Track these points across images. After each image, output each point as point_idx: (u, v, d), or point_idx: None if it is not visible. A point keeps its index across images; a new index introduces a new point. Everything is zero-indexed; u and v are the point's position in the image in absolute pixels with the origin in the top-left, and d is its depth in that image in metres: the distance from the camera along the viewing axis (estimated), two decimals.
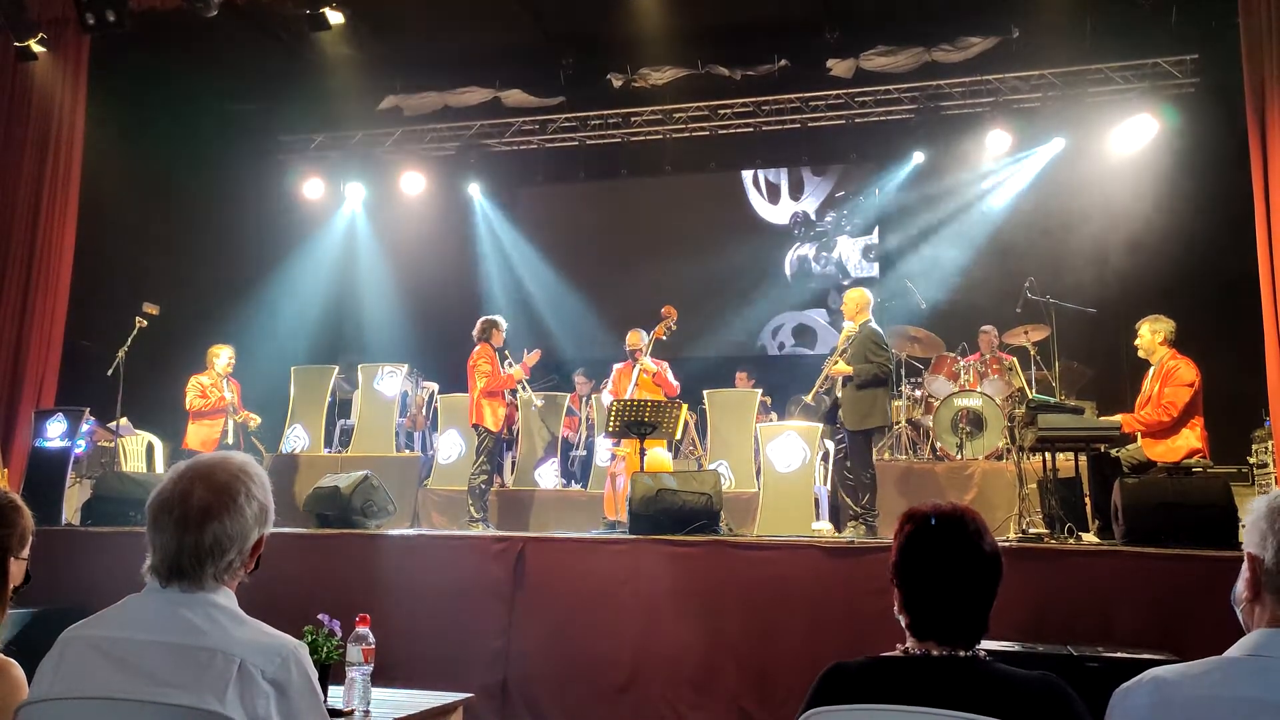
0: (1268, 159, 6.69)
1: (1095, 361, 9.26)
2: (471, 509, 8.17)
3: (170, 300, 9.70)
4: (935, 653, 1.93)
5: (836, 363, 7.55)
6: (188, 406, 8.56)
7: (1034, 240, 10.12)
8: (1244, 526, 1.80)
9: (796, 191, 12.15)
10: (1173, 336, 6.47)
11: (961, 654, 1.92)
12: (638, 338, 8.37)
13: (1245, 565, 1.78)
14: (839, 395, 7.44)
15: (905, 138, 11.07)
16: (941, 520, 2.02)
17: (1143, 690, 1.71)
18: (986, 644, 2.00)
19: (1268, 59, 6.78)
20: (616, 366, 8.68)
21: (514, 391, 9.70)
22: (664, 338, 8.42)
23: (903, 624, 1.99)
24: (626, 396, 7.93)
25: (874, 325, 7.54)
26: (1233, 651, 1.71)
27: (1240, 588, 1.79)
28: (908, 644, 1.98)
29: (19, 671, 2.21)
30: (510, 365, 8.53)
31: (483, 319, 8.63)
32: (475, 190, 12.33)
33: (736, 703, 5.29)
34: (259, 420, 8.95)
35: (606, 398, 8.67)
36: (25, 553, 2.35)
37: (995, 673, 1.89)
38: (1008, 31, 10.15)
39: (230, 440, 8.58)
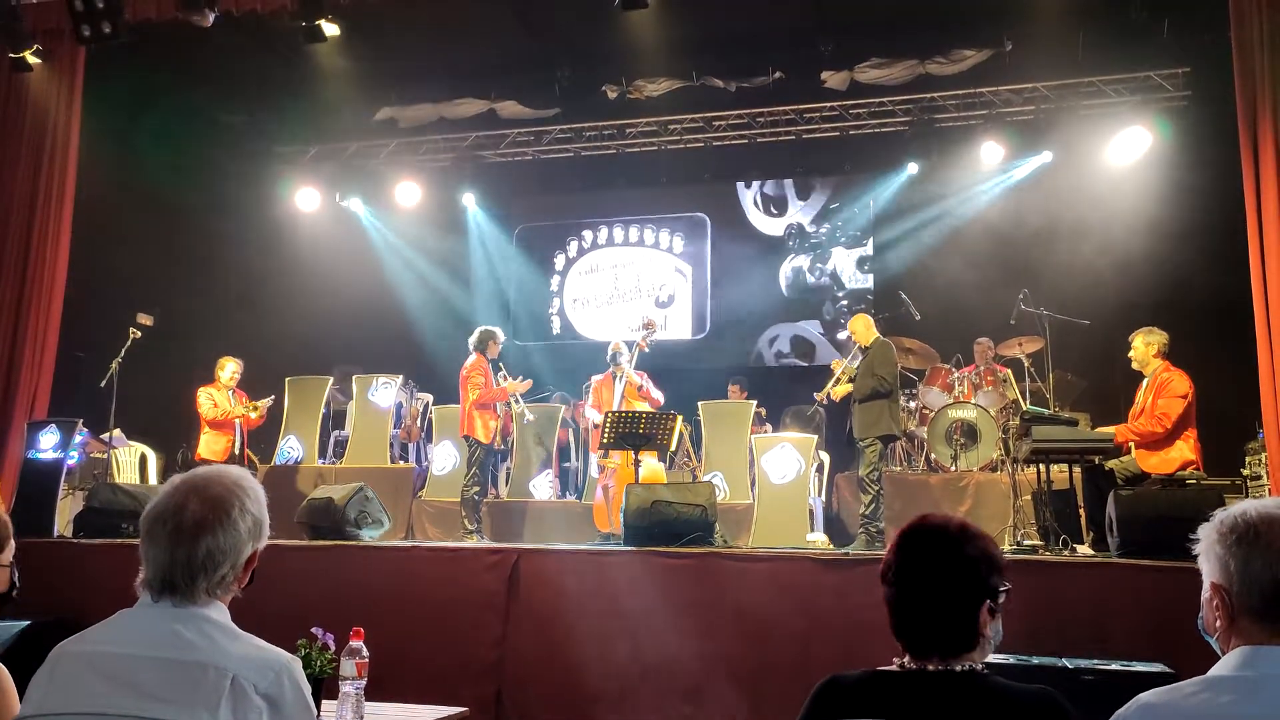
0: (1259, 171, 6.71)
1: (1089, 373, 9.28)
2: (465, 521, 8.16)
3: (164, 311, 9.69)
4: (931, 668, 1.92)
5: (838, 381, 7.64)
6: (205, 415, 8.65)
7: (1028, 252, 10.14)
8: (1196, 555, 1.79)
9: (791, 203, 12.17)
10: (1166, 348, 6.49)
11: (958, 669, 1.91)
12: (620, 347, 8.40)
13: (1208, 594, 1.76)
14: (821, 398, 7.53)
15: (899, 149, 11.10)
16: (924, 531, 2.02)
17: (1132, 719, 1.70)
18: None
19: (1259, 71, 6.81)
20: (595, 377, 8.69)
21: (508, 403, 9.71)
22: (646, 349, 8.43)
23: (901, 647, 1.99)
24: (614, 408, 7.94)
25: (884, 340, 7.69)
26: (1218, 670, 1.70)
27: (1209, 616, 1.77)
28: (905, 658, 1.97)
29: (7, 679, 2.20)
30: (505, 378, 8.53)
31: (480, 329, 8.65)
32: (470, 200, 12.34)
33: (731, 714, 5.28)
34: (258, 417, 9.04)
35: (589, 409, 8.68)
36: (7, 558, 2.32)
37: (991, 687, 1.88)
38: (1001, 44, 10.18)
39: (236, 451, 8.67)
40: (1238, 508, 1.76)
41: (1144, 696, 1.69)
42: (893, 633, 1.99)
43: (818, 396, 8.03)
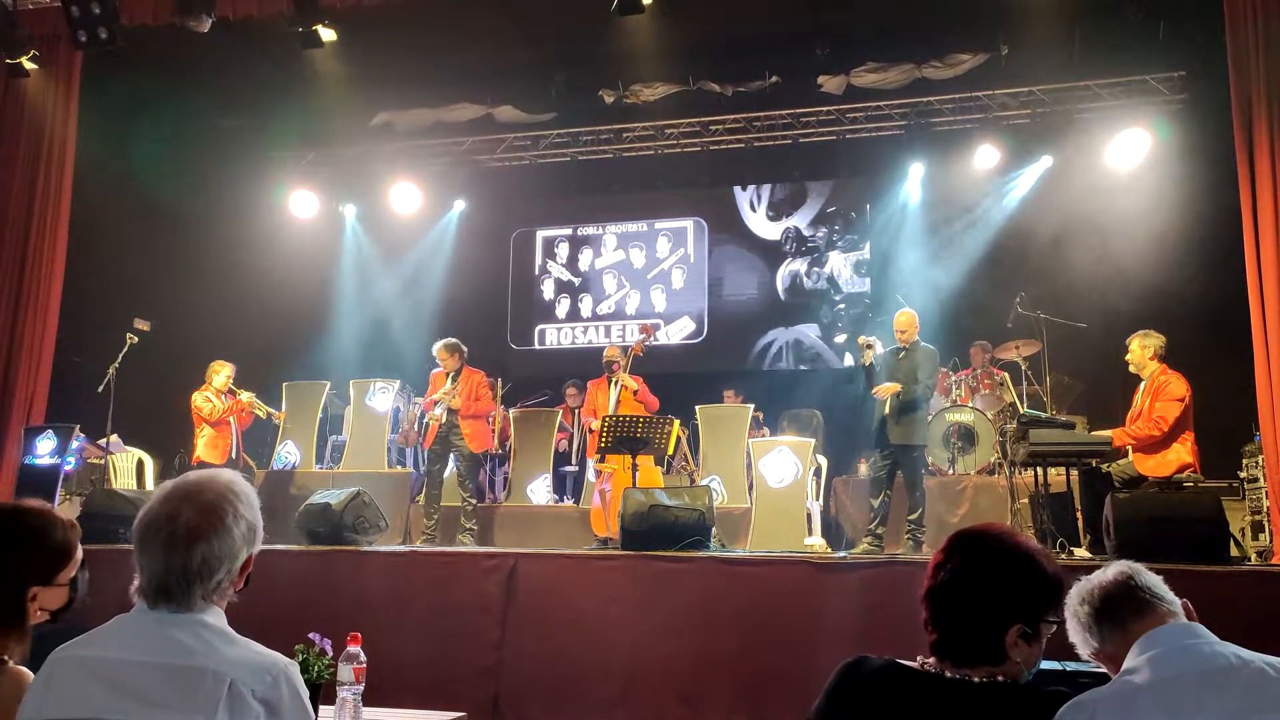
0: (1255, 174, 6.73)
1: (1086, 376, 9.28)
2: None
3: (161, 317, 9.68)
4: (948, 674, 1.91)
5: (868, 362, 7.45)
6: (207, 416, 8.60)
7: (1025, 255, 10.16)
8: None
9: (788, 207, 12.18)
10: (1163, 351, 6.49)
11: (975, 680, 1.88)
12: (615, 351, 8.40)
13: (1104, 668, 2.06)
14: (884, 414, 7.25)
15: (896, 153, 11.11)
16: (976, 539, 2.01)
17: (1094, 712, 1.79)
18: None
19: (1254, 75, 6.83)
20: (591, 381, 8.69)
21: (507, 405, 9.73)
22: (641, 354, 8.43)
23: (928, 641, 1.98)
24: (610, 412, 7.94)
25: (929, 346, 7.45)
26: (1130, 664, 1.91)
27: (1111, 669, 2.02)
28: (929, 659, 1.96)
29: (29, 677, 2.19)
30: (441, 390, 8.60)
31: None
32: (462, 205, 12.33)
33: (729, 717, 5.27)
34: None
35: (582, 414, 8.69)
36: (66, 577, 2.25)
37: (1006, 696, 1.86)
38: (997, 49, 10.20)
39: (234, 455, 8.65)
40: None
41: (1072, 700, 1.83)
42: (924, 627, 1.98)
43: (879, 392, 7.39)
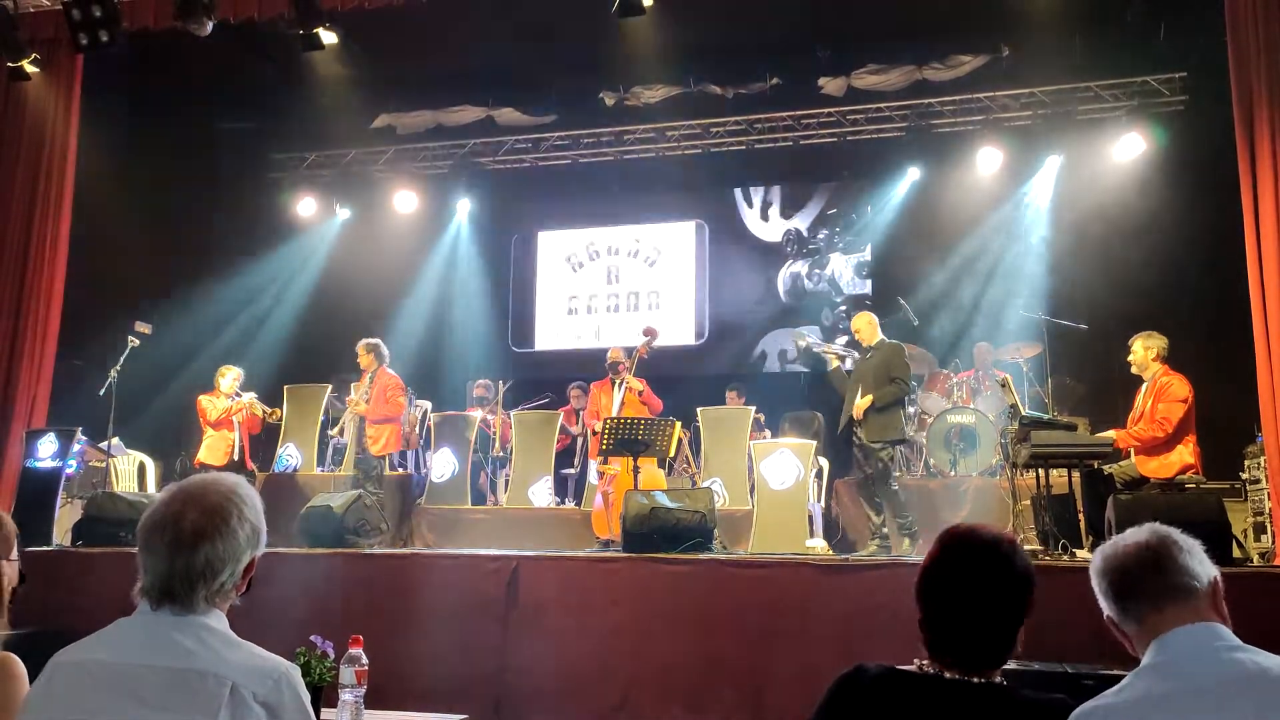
0: (1256, 176, 6.73)
1: (1087, 377, 9.27)
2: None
3: (162, 320, 9.69)
4: (948, 675, 1.90)
5: (833, 362, 7.53)
6: (208, 418, 8.60)
7: (1025, 256, 10.15)
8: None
9: (789, 209, 12.17)
10: (1165, 353, 6.49)
11: (975, 680, 1.88)
12: (620, 353, 8.40)
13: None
14: (854, 417, 7.27)
15: (897, 155, 11.09)
16: (974, 544, 2.00)
17: None
18: None
19: (1255, 77, 6.82)
20: (595, 383, 8.69)
21: (508, 408, 9.74)
22: (645, 356, 8.44)
23: (922, 641, 1.98)
24: (613, 414, 7.94)
25: (893, 342, 7.48)
26: (1147, 661, 1.88)
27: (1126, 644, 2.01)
28: (926, 660, 1.95)
29: (20, 666, 2.21)
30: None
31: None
32: (466, 207, 12.34)
33: None
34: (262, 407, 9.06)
35: (585, 415, 8.68)
36: (14, 555, 2.36)
37: (1008, 698, 1.86)
38: (998, 50, 10.20)
39: (236, 458, 8.63)
40: None
41: (1081, 707, 1.81)
42: (920, 627, 1.98)
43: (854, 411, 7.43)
